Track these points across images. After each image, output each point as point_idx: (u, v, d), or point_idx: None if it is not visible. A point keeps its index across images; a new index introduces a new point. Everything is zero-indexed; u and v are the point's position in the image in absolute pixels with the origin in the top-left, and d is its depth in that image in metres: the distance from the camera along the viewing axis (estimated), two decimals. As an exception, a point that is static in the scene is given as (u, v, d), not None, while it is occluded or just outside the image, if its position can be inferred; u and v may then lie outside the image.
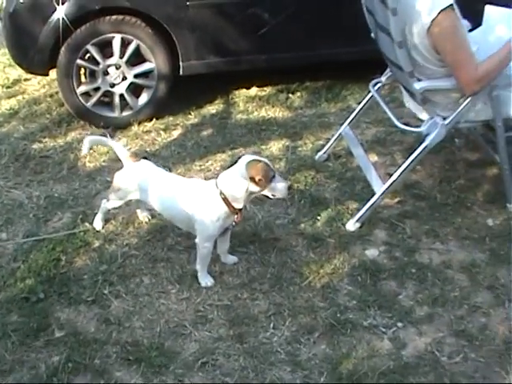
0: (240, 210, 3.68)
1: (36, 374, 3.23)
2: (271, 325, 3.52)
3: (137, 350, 3.36)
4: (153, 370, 3.24)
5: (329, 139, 5.16)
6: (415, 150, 4.13)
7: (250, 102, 6.12)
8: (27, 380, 3.20)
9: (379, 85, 4.74)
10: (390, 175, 4.26)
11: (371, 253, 4.05)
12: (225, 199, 3.61)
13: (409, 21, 3.81)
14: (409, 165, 4.13)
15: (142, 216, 4.33)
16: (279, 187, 3.64)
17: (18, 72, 6.82)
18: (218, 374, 3.23)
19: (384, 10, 3.76)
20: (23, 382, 3.19)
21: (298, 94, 6.26)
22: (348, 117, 5.02)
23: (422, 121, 4.21)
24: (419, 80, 3.94)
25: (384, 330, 3.48)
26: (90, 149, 4.27)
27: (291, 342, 3.41)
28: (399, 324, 3.52)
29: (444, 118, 4.03)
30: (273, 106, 6.04)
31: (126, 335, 3.46)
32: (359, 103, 5.05)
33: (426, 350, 3.36)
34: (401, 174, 4.15)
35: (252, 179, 3.55)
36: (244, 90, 6.36)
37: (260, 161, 3.62)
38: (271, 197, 3.70)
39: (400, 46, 3.77)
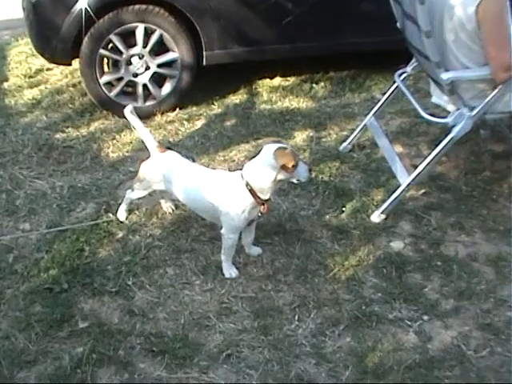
0: (266, 200, 3.65)
1: (60, 365, 3.22)
2: (296, 317, 3.49)
3: (161, 341, 3.34)
4: (177, 362, 3.22)
5: (353, 130, 5.13)
6: (441, 141, 4.09)
7: (274, 92, 6.10)
8: (51, 371, 3.19)
9: (405, 75, 4.69)
10: (416, 167, 4.22)
11: (396, 245, 4.02)
12: (251, 190, 3.58)
13: (439, 13, 3.77)
14: (435, 156, 4.09)
15: (166, 206, 4.31)
16: (302, 171, 3.62)
17: (40, 62, 6.83)
18: (243, 367, 3.21)
19: (412, -2, 3.72)
20: (47, 373, 3.18)
21: (322, 84, 6.22)
22: (372, 107, 4.98)
23: (448, 112, 4.17)
24: (447, 70, 3.89)
25: (409, 323, 3.45)
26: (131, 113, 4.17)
27: (316, 334, 3.39)
28: (425, 317, 3.49)
29: (471, 109, 3.98)
30: (296, 96, 6.01)
31: (150, 326, 3.45)
32: (383, 93, 5.01)
33: (451, 344, 3.32)
34: (427, 165, 4.11)
35: (283, 167, 3.51)
36: (267, 80, 6.33)
37: (286, 147, 3.60)
38: (295, 181, 3.69)
39: (428, 36, 3.72)
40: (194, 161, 4.25)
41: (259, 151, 3.64)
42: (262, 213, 3.70)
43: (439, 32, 3.88)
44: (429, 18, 3.70)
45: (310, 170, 3.71)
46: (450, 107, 4.13)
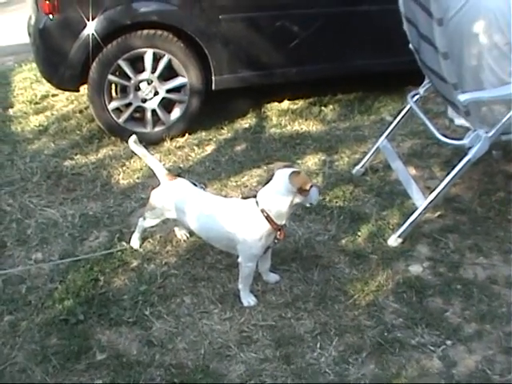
0: (282, 226, 3.60)
1: (79, 399, 3.17)
2: (318, 345, 3.43)
3: (181, 372, 3.28)
4: (199, 394, 3.17)
5: (365, 152, 5.11)
6: (457, 164, 4.05)
7: (283, 116, 6.07)
8: (70, 405, 3.14)
9: (417, 96, 4.65)
10: (430, 189, 4.20)
11: (415, 269, 3.97)
12: (267, 217, 3.53)
13: (459, 40, 3.77)
14: (452, 179, 4.04)
15: (180, 234, 4.26)
16: (314, 193, 3.59)
17: (45, 88, 6.83)
18: (267, 397, 3.15)
19: (428, 19, 3.68)
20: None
21: (331, 106, 6.21)
22: (382, 129, 4.98)
23: (459, 133, 4.14)
24: (463, 92, 3.86)
25: (433, 348, 3.40)
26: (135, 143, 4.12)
27: (339, 362, 3.33)
28: (448, 342, 3.44)
29: (487, 131, 3.94)
30: (306, 120, 5.98)
31: (170, 357, 3.38)
32: (392, 115, 5.02)
33: (476, 368, 3.27)
34: (443, 188, 4.06)
35: (299, 190, 3.46)
36: (276, 104, 6.31)
37: (299, 171, 3.56)
38: (308, 205, 3.66)
39: (445, 58, 3.68)
40: (204, 188, 4.19)
41: (271, 176, 3.59)
42: (278, 239, 3.66)
43: (459, 57, 3.86)
44: (446, 40, 3.67)
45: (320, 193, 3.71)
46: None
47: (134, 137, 4.07)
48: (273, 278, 3.89)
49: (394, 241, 4.16)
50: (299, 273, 3.95)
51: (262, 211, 3.53)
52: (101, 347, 3.46)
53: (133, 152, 4.21)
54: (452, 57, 3.74)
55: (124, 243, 4.23)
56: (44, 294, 3.84)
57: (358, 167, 4.98)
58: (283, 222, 3.58)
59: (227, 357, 3.38)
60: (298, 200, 3.52)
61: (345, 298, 3.74)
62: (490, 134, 3.94)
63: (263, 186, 3.64)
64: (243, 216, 3.61)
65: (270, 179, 3.58)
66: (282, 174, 3.52)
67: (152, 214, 4.05)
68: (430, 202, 4.10)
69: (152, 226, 4.17)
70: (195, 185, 3.98)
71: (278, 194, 3.51)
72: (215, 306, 3.72)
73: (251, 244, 3.59)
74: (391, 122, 4.90)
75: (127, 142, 4.96)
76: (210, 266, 4.02)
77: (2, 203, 4.77)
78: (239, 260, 3.67)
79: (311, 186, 3.51)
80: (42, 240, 4.35)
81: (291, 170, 3.54)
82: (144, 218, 4.13)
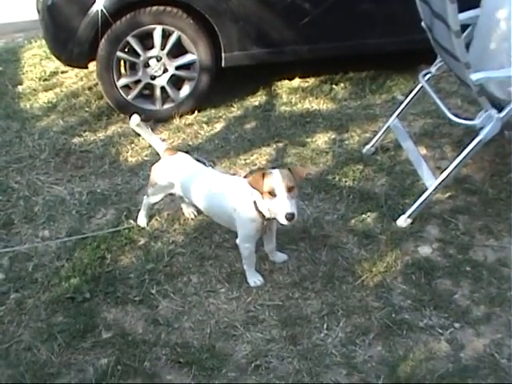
0: (267, 219, 3.51)
1: (84, 377, 3.16)
2: (325, 325, 3.42)
3: (187, 352, 3.28)
4: (204, 374, 3.16)
5: (375, 132, 5.06)
6: (468, 144, 4.00)
7: (293, 94, 6.01)
8: (75, 384, 3.13)
9: (429, 75, 4.59)
10: (441, 169, 4.16)
11: (424, 250, 3.95)
12: (255, 203, 3.47)
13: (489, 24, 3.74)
14: (462, 159, 4.00)
15: (188, 212, 4.23)
16: (279, 207, 3.31)
17: (54, 64, 6.78)
18: (272, 378, 3.14)
19: (441, -2, 3.63)
20: (72, 386, 3.13)
21: (342, 85, 6.14)
22: (393, 108, 4.93)
23: (472, 113, 4.09)
24: (476, 71, 3.81)
25: (441, 330, 3.39)
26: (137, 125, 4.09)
27: (346, 343, 3.32)
28: (456, 324, 3.42)
29: (499, 111, 3.89)
30: (316, 98, 5.92)
31: (176, 336, 3.38)
32: (404, 94, 4.97)
33: (484, 352, 3.26)
34: (454, 168, 4.03)
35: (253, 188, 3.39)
36: (286, 82, 6.25)
37: (265, 172, 3.38)
38: (280, 223, 3.39)
39: (457, 36, 3.63)
40: (206, 164, 4.14)
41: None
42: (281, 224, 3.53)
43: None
44: (458, 18, 3.61)
45: (291, 219, 3.28)
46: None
47: (136, 117, 4.02)
48: (280, 257, 3.87)
49: (403, 221, 4.13)
50: (307, 252, 3.93)
51: (252, 195, 3.48)
52: (107, 325, 3.46)
53: (133, 131, 4.18)
54: (479, 37, 3.70)
55: (131, 221, 4.22)
56: (51, 272, 3.84)
57: (368, 146, 4.93)
58: (266, 215, 3.47)
59: (233, 336, 3.38)
60: (259, 200, 3.43)
61: (353, 279, 3.72)
62: (502, 114, 3.89)
63: (272, 164, 3.60)
64: (239, 196, 3.57)
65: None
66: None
67: (154, 190, 4.03)
68: (440, 183, 4.06)
69: (157, 203, 4.16)
70: (204, 163, 3.95)
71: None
72: (222, 286, 3.71)
73: (245, 224, 3.56)
74: (403, 101, 4.84)
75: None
76: (218, 245, 4.01)
77: (10, 180, 4.76)
78: (237, 241, 3.65)
79: (272, 194, 3.30)
80: (49, 217, 4.34)
81: (268, 170, 3.42)
82: (147, 195, 4.11)
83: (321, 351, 3.26)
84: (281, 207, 3.28)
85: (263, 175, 3.33)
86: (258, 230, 3.56)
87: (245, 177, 3.61)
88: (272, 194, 3.29)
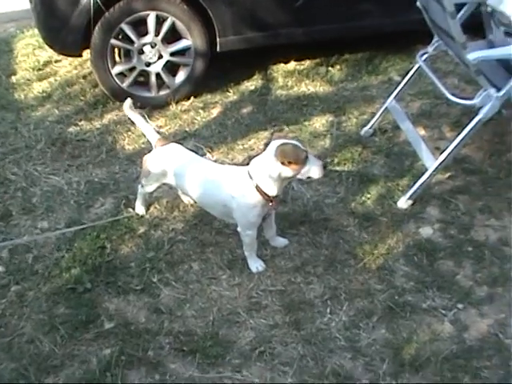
0: (275, 197, 3.51)
1: (88, 368, 3.15)
2: (328, 310, 3.42)
3: (190, 340, 3.27)
4: (208, 361, 3.15)
5: (373, 113, 5.05)
6: (467, 123, 3.99)
7: (289, 77, 5.98)
8: (79, 375, 3.11)
9: (426, 55, 4.56)
10: (441, 150, 4.13)
11: (425, 231, 3.94)
12: (257, 187, 3.45)
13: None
14: (462, 139, 3.99)
15: (187, 200, 4.20)
16: (313, 168, 3.43)
17: (48, 54, 6.73)
18: (277, 364, 3.13)
19: (437, -22, 3.61)
20: (75, 377, 3.10)
21: (338, 67, 6.11)
22: (390, 89, 4.92)
23: (469, 92, 4.08)
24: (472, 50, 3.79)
25: (444, 312, 3.38)
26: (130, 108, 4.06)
27: (349, 327, 3.31)
28: (459, 305, 3.42)
29: (498, 90, 3.87)
30: (313, 81, 5.89)
31: (179, 325, 3.37)
32: (401, 75, 4.96)
33: (488, 333, 3.26)
34: (454, 148, 4.01)
35: (284, 164, 3.35)
36: (282, 65, 6.21)
37: (289, 143, 3.41)
38: (306, 179, 3.54)
39: (452, 17, 3.61)
40: (198, 153, 4.10)
41: (267, 145, 3.52)
42: (272, 208, 3.60)
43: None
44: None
45: (325, 167, 3.50)
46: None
47: (129, 101, 4.03)
48: (281, 242, 3.86)
49: (403, 203, 4.12)
50: (308, 236, 3.92)
51: (253, 181, 3.46)
52: (109, 316, 3.45)
53: (129, 119, 4.15)
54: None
55: (130, 209, 4.20)
56: (51, 263, 3.82)
57: (366, 128, 4.92)
58: (274, 194, 3.48)
59: (236, 323, 3.37)
60: (287, 174, 3.40)
61: (354, 262, 3.71)
62: (501, 93, 3.87)
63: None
64: (236, 184, 3.54)
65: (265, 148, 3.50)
66: (272, 145, 3.42)
67: (148, 179, 4.00)
68: (440, 163, 4.04)
69: (152, 192, 4.13)
70: (196, 152, 3.92)
71: (265, 166, 3.42)
72: (223, 272, 3.70)
73: (246, 212, 3.53)
74: (399, 82, 4.82)
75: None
76: (218, 231, 3.99)
77: (7, 172, 4.72)
78: (238, 229, 3.63)
79: (305, 160, 3.38)
80: (47, 208, 4.32)
81: (281, 141, 3.43)
82: (142, 185, 4.08)
83: (325, 335, 3.26)
84: (317, 162, 3.44)
85: (293, 147, 3.39)
86: (259, 214, 3.54)
87: (247, 164, 3.57)
88: (305, 157, 3.38)
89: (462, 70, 5.52)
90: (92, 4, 5.12)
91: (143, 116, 4.13)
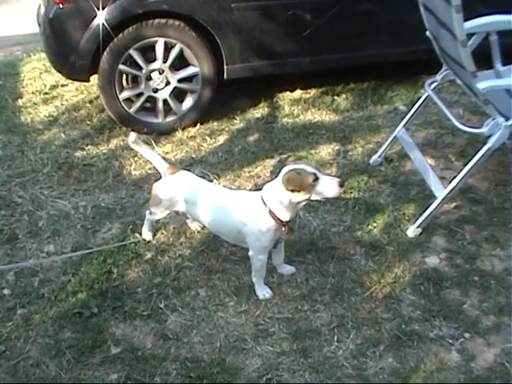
0: (287, 222, 3.53)
1: (94, 394, 3.14)
2: (335, 338, 3.41)
3: (197, 366, 3.26)
4: (216, 388, 3.14)
5: (379, 142, 5.07)
6: (475, 153, 4.00)
7: (295, 105, 6.00)
8: (86, 400, 3.11)
9: (435, 84, 4.58)
10: (447, 180, 4.15)
11: (432, 261, 3.94)
12: (271, 212, 3.47)
13: None
14: (471, 168, 3.99)
15: (194, 226, 4.21)
16: (326, 188, 3.41)
17: (54, 78, 6.76)
18: (284, 392, 3.12)
19: (447, 7, 3.61)
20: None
21: (344, 96, 6.13)
22: (395, 119, 4.96)
23: (475, 122, 4.09)
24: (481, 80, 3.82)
25: (451, 341, 3.37)
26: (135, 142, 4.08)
27: (357, 355, 3.30)
28: (466, 335, 3.41)
29: (507, 119, 3.89)
30: (318, 109, 5.91)
31: (185, 351, 3.36)
32: (405, 105, 4.96)
33: (495, 362, 3.24)
34: (463, 177, 4.02)
35: (292, 191, 3.37)
36: (288, 93, 6.23)
37: (295, 169, 3.42)
38: (322, 199, 3.52)
39: (464, 45, 3.63)
40: (207, 178, 4.11)
41: (279, 170, 3.53)
42: (283, 234, 3.61)
43: None
44: (464, 28, 3.61)
45: (341, 185, 3.45)
46: None
47: (133, 135, 4.02)
48: (288, 270, 3.86)
49: (412, 231, 4.12)
50: (315, 264, 3.92)
51: (266, 206, 3.48)
52: (115, 341, 3.44)
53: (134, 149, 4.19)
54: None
55: (137, 235, 4.20)
56: (57, 287, 3.82)
57: (375, 157, 4.92)
58: (287, 219, 3.50)
59: (243, 350, 3.36)
60: (297, 199, 3.42)
61: (361, 290, 3.71)
62: (510, 122, 3.89)
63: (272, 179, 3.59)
64: (250, 209, 3.56)
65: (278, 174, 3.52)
66: (282, 172, 3.45)
67: (158, 207, 4.00)
68: (449, 192, 4.05)
69: (160, 219, 4.13)
70: (206, 178, 3.93)
71: (276, 192, 3.45)
72: (230, 299, 3.69)
73: (259, 237, 3.54)
74: (405, 112, 4.85)
75: (139, 132, 4.94)
76: (225, 258, 3.99)
77: (13, 195, 4.73)
78: (250, 254, 3.63)
79: (314, 181, 3.37)
80: (54, 232, 4.32)
81: (290, 167, 3.46)
82: (150, 213, 4.09)
83: (332, 364, 3.25)
84: (330, 181, 3.41)
85: (297, 173, 3.39)
86: (272, 239, 3.56)
87: (259, 189, 3.59)
88: (314, 180, 3.35)
89: (466, 100, 5.57)
90: (101, 29, 5.15)
91: (149, 144, 4.12)
